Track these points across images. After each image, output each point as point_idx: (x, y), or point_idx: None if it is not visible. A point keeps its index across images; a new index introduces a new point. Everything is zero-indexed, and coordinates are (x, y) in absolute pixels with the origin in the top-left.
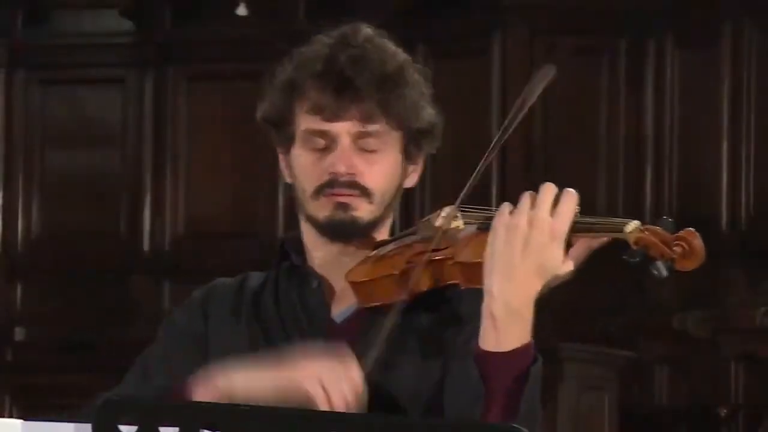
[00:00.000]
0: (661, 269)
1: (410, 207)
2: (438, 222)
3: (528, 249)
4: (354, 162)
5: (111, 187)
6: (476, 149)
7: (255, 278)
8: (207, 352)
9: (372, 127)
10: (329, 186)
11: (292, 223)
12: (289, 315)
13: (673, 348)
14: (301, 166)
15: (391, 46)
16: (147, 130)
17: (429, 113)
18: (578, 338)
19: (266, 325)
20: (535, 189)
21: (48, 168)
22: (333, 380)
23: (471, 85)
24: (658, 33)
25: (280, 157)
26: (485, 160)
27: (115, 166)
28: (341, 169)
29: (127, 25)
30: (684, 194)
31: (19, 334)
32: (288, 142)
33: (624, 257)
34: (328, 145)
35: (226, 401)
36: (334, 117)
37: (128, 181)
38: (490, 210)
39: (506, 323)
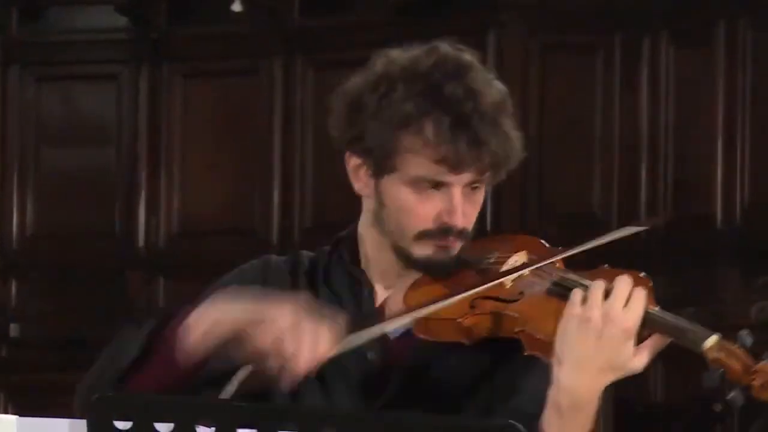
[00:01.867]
0: (738, 398)
1: None
2: (508, 271)
3: (600, 344)
4: (465, 210)
5: (106, 184)
6: None
7: (305, 261)
8: None
9: (485, 176)
10: (440, 234)
11: (287, 221)
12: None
13: (668, 344)
14: (402, 204)
15: (487, 72)
16: (142, 126)
17: (520, 146)
18: None
19: None
20: (530, 184)
21: (43, 165)
22: (288, 347)
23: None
24: (654, 31)
25: (360, 169)
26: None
27: (110, 162)
28: (458, 223)
29: (122, 21)
30: (679, 192)
31: (13, 331)
32: (383, 169)
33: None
34: (435, 187)
35: (209, 324)
36: (458, 171)
37: (123, 178)
38: (557, 266)
39: (571, 415)
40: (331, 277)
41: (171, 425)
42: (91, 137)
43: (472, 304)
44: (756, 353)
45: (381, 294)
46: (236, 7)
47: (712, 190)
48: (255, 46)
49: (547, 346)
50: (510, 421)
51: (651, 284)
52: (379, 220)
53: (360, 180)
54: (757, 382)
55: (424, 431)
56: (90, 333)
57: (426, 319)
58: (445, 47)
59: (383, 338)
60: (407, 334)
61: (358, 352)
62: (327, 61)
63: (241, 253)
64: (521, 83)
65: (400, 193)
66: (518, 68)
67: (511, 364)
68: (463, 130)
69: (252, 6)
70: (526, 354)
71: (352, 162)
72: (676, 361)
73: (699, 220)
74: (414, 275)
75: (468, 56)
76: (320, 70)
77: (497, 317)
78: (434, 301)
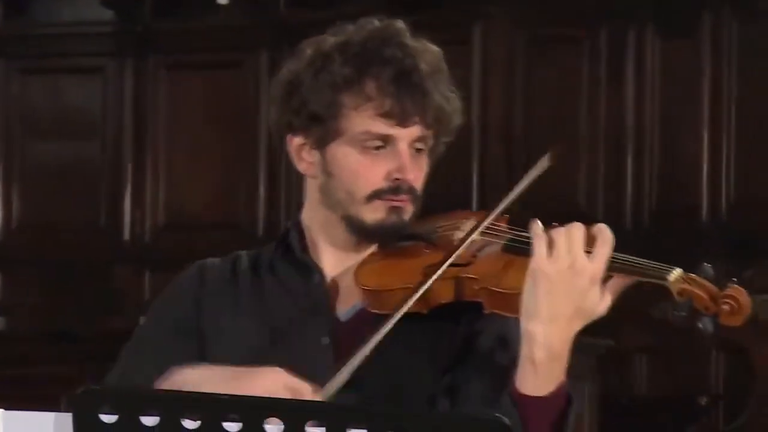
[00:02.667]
0: (709, 326)
1: None
2: (460, 234)
3: (571, 294)
4: (412, 167)
5: (91, 177)
6: (456, 139)
7: (245, 261)
8: (203, 344)
9: (428, 132)
10: (392, 192)
11: (273, 214)
12: (293, 310)
13: (653, 337)
14: (351, 167)
15: (421, 39)
16: (127, 119)
17: (460, 109)
18: None
19: (270, 318)
20: (514, 176)
21: (28, 158)
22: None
23: (451, 75)
24: (639, 23)
25: (303, 149)
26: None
27: (96, 155)
28: (409, 176)
29: (108, 14)
30: (664, 184)
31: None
32: (327, 137)
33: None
34: (382, 146)
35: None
36: (404, 122)
37: (108, 171)
38: (504, 225)
39: (546, 367)
40: (279, 267)
41: (157, 419)
42: (77, 130)
43: (427, 272)
44: (719, 284)
45: (331, 278)
46: (222, 0)
47: (698, 183)
48: (241, 38)
49: (510, 301)
50: (496, 414)
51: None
52: (327, 195)
53: (304, 159)
54: (726, 308)
55: (408, 424)
56: (76, 326)
57: (378, 293)
58: (374, 21)
59: (335, 321)
60: (360, 313)
61: (312, 337)
62: None
63: (227, 246)
64: (507, 76)
65: (347, 156)
66: (504, 61)
67: (472, 326)
68: (405, 83)
69: None
70: (486, 313)
71: (294, 143)
72: (661, 354)
73: (684, 214)
74: (365, 253)
75: (400, 24)
76: None
77: (454, 282)
78: (391, 283)
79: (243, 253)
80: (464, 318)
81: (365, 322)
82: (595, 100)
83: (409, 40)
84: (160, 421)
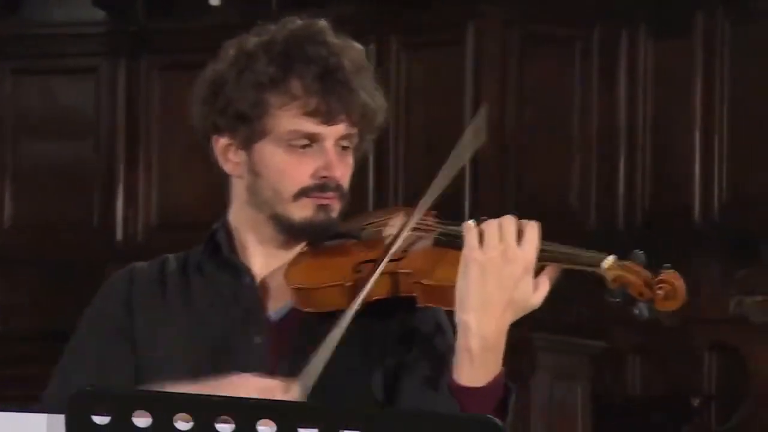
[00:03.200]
0: (643, 311)
1: (385, 195)
2: (389, 231)
3: (503, 284)
4: (339, 165)
5: (84, 177)
6: (449, 139)
7: (173, 263)
8: (136, 348)
9: (354, 130)
10: (319, 190)
11: None
12: (224, 311)
13: (646, 338)
14: (277, 166)
15: (344, 37)
16: (120, 119)
17: (384, 107)
18: (551, 328)
19: (201, 319)
20: (508, 177)
21: (21, 158)
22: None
23: (444, 76)
24: (632, 23)
25: (229, 149)
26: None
27: (88, 155)
28: (336, 174)
29: (100, 14)
30: (657, 184)
31: None
32: (253, 136)
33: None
34: (308, 144)
35: None
36: (330, 121)
37: (101, 171)
38: (432, 219)
39: (482, 357)
40: (207, 269)
41: (149, 420)
42: (70, 130)
43: (358, 268)
44: (651, 269)
45: (260, 278)
46: (214, 0)
47: (690, 183)
48: (233, 39)
49: (444, 294)
50: (487, 415)
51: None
52: (254, 194)
53: (230, 160)
54: (661, 293)
55: (398, 424)
56: (69, 325)
57: (310, 291)
58: (296, 20)
59: (267, 321)
60: (291, 313)
61: (244, 338)
62: None
63: None
64: (500, 76)
65: (274, 156)
66: (497, 61)
67: (406, 319)
68: (330, 81)
69: None
70: (420, 306)
71: (220, 144)
72: (654, 354)
73: (677, 214)
74: (294, 252)
75: (323, 22)
76: None
77: (389, 277)
78: (321, 281)
79: (171, 255)
80: (399, 311)
81: (297, 321)
82: (588, 100)
83: (333, 38)
84: (153, 421)
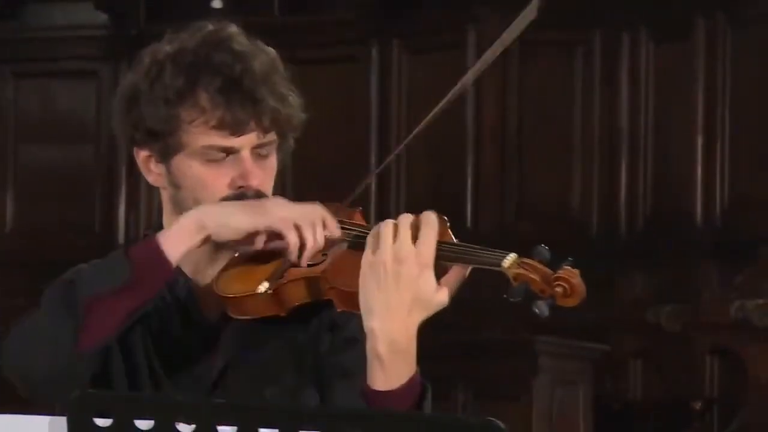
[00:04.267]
0: (543, 309)
1: (385, 199)
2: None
3: (400, 285)
4: (256, 173)
5: (85, 180)
6: (450, 142)
7: None
8: None
9: (269, 137)
10: (238, 199)
11: None
12: (164, 312)
13: (647, 342)
14: (197, 179)
15: (255, 41)
16: None
17: (299, 107)
18: (552, 332)
19: (145, 320)
20: (510, 182)
21: (22, 161)
22: (307, 223)
23: (445, 79)
24: (633, 27)
25: (150, 161)
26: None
27: (90, 159)
28: (253, 182)
29: (102, 18)
30: (658, 188)
31: None
32: (169, 151)
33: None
34: (225, 156)
35: (201, 235)
36: (238, 132)
37: (102, 175)
38: (358, 220)
39: (393, 361)
40: None
41: (151, 423)
42: (71, 134)
43: (280, 274)
44: (554, 267)
45: (196, 282)
46: (216, 3)
47: (692, 188)
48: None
49: (357, 300)
50: (489, 418)
51: (446, 220)
52: (177, 205)
53: (151, 171)
54: (560, 290)
55: (398, 424)
56: None
57: (235, 299)
58: (208, 25)
59: (206, 324)
60: (225, 318)
61: (185, 345)
62: (306, 59)
63: None
64: (500, 80)
65: (191, 169)
66: (497, 65)
67: (330, 322)
68: (235, 92)
69: (231, 2)
70: (339, 311)
71: (141, 155)
72: (655, 359)
73: (678, 218)
74: (225, 259)
75: (233, 27)
76: (301, 66)
77: (306, 282)
78: (246, 288)
79: None
80: (324, 314)
81: (231, 326)
82: (589, 105)
83: (240, 45)
84: (155, 424)
